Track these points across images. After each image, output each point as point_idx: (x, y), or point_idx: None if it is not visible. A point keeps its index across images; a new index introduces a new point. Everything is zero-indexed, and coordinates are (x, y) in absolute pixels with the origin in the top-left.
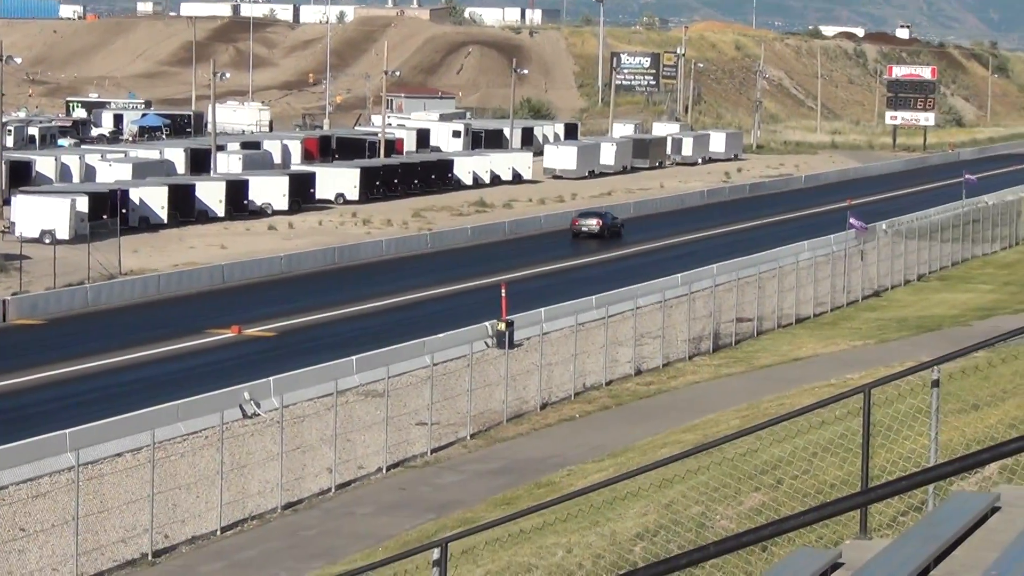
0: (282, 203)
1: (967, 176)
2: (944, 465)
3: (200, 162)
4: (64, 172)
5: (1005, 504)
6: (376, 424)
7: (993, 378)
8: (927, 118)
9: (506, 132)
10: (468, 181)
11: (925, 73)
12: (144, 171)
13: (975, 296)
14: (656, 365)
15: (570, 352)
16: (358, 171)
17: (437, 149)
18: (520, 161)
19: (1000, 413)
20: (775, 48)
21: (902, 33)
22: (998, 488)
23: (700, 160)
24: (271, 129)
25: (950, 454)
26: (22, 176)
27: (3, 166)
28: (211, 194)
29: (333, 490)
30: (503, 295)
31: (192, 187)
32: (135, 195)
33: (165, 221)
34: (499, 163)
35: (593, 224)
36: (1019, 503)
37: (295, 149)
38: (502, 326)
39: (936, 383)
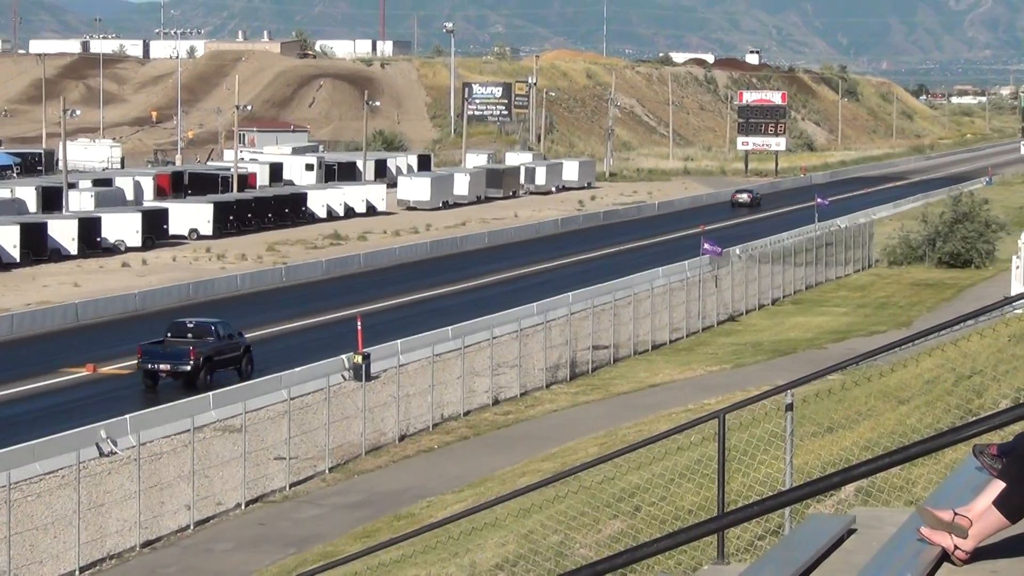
0: (135, 240)
1: (819, 200)
2: (797, 489)
3: (52, 200)
4: None
5: (861, 526)
6: (234, 459)
7: (847, 400)
8: (778, 143)
9: (359, 164)
10: (322, 214)
11: (775, 98)
12: None
13: (829, 319)
14: (514, 395)
15: (427, 383)
16: (211, 206)
17: (290, 183)
18: (374, 193)
19: (855, 435)
20: (626, 76)
21: (752, 59)
22: (854, 510)
23: (554, 189)
24: (123, 166)
25: (805, 477)
26: None
27: None
28: (64, 232)
29: (192, 527)
30: (359, 327)
31: (44, 225)
32: None
33: (18, 260)
34: (353, 196)
35: None
36: (874, 524)
37: (147, 185)
38: (359, 359)
39: (790, 407)
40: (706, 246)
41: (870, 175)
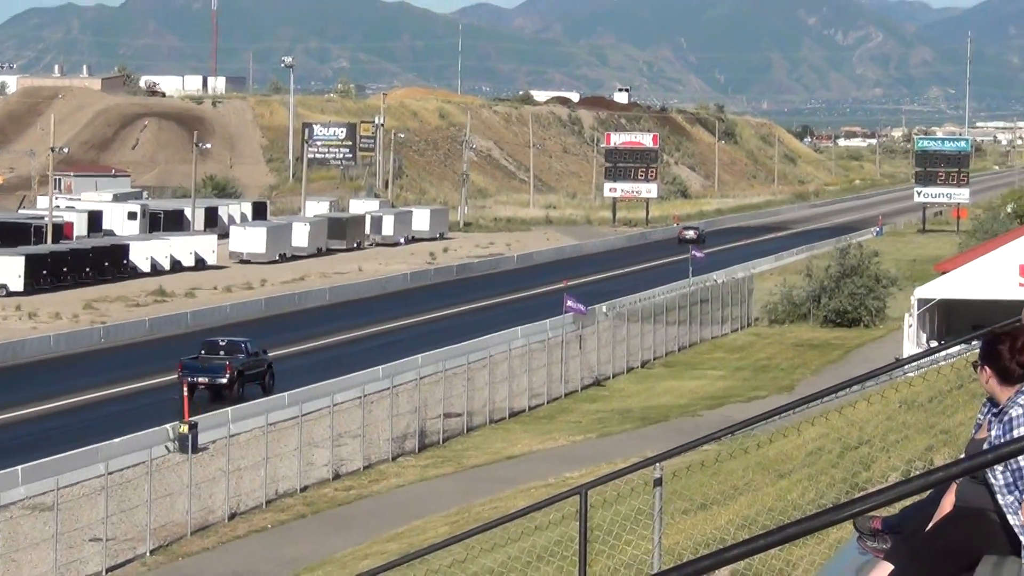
0: None
1: (694, 252)
2: (665, 574)
3: None
4: None
5: None
6: (45, 541)
7: (723, 474)
8: (649, 189)
9: (188, 213)
10: (146, 268)
11: (646, 140)
12: None
13: (704, 383)
14: (356, 468)
15: (261, 456)
16: (22, 259)
17: (111, 233)
18: (204, 244)
19: (730, 513)
20: (483, 116)
21: (620, 97)
22: None
23: (403, 240)
24: None
25: (675, 559)
26: None
27: None
28: None
29: None
30: (184, 394)
31: None
32: None
33: None
34: (180, 247)
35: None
36: None
37: None
38: (184, 428)
39: (659, 481)
40: (569, 303)
41: (750, 225)
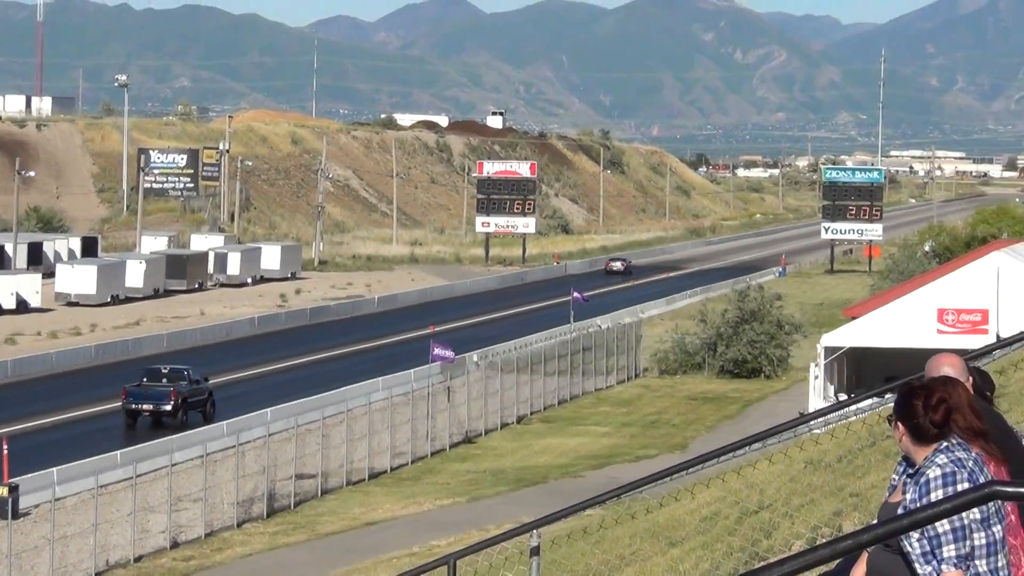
0: None
1: (576, 294)
2: None
3: None
4: None
5: None
6: None
7: (608, 542)
8: (526, 224)
9: (8, 248)
10: None
11: (523, 170)
12: None
13: (587, 441)
14: (197, 535)
15: (89, 522)
16: None
17: None
18: (26, 285)
19: None
20: (340, 141)
21: (494, 121)
22: None
23: (250, 280)
24: None
25: None
26: None
27: None
28: None
29: None
30: (4, 452)
31: None
32: None
33: None
34: None
35: None
36: None
37: None
38: (4, 491)
39: (536, 550)
40: (436, 351)
41: (638, 264)
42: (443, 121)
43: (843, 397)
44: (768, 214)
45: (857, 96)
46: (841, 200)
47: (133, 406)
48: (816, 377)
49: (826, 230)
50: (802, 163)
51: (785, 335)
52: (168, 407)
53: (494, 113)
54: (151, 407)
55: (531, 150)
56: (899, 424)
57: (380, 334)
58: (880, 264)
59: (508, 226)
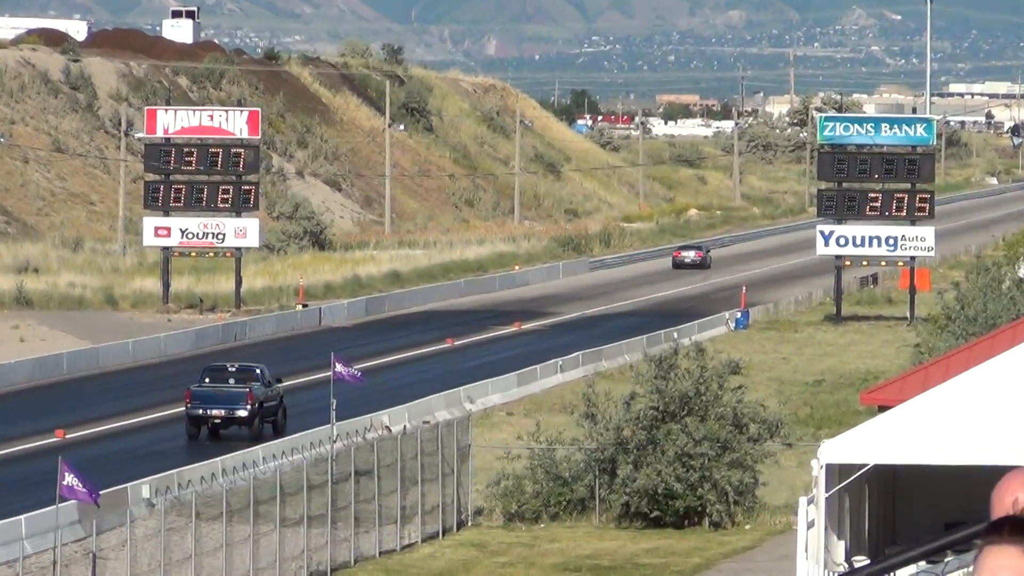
0: None
1: (341, 369)
2: None
3: None
4: None
5: None
6: None
7: None
8: (242, 230)
9: None
10: None
11: (236, 124)
12: None
13: None
14: None
15: None
16: None
17: None
18: None
19: None
20: None
21: (178, 30)
22: None
23: None
24: None
25: None
26: None
27: None
28: None
29: None
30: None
31: None
32: None
33: None
34: None
35: None
36: None
37: None
38: None
39: None
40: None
41: (461, 307)
42: (79, 30)
43: (861, 561)
44: (712, 209)
45: None
46: (854, 181)
47: (200, 411)
48: (810, 525)
49: (825, 239)
50: (777, 109)
51: (750, 443)
52: (244, 412)
53: (177, 14)
54: (223, 412)
55: (251, 86)
56: None
57: None
58: (931, 302)
59: (207, 235)
